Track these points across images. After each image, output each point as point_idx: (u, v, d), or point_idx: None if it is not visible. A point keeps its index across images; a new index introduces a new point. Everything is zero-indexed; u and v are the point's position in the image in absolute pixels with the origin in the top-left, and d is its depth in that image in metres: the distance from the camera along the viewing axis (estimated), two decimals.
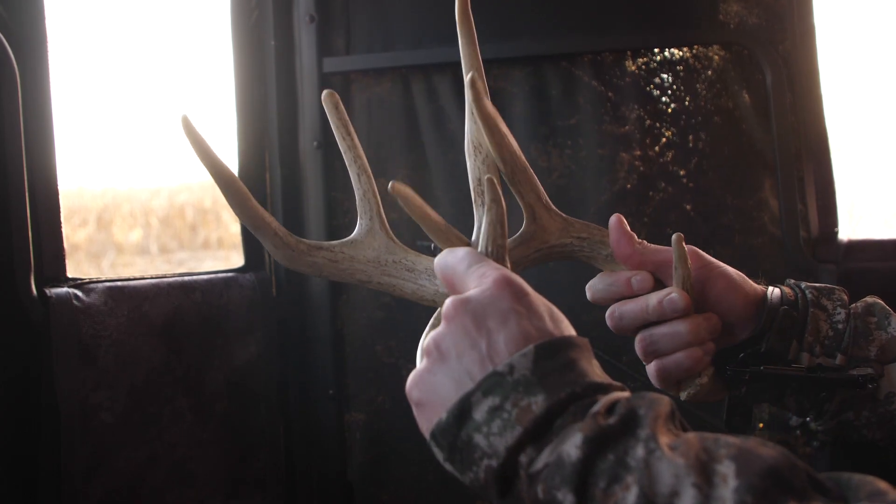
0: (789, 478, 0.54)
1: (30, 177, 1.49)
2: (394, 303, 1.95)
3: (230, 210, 0.88)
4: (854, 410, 0.92)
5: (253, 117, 1.97)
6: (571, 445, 0.59)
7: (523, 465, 0.61)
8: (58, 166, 1.55)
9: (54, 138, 1.54)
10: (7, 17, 1.47)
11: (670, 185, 1.84)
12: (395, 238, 0.90)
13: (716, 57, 1.82)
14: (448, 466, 0.67)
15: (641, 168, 1.84)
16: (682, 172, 1.84)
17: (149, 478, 1.68)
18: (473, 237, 0.90)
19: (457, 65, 1.89)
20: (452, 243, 0.85)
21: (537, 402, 0.62)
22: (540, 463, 0.60)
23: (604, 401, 0.62)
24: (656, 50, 1.83)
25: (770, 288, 0.97)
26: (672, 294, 0.88)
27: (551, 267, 1.78)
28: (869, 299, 0.96)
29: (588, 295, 0.95)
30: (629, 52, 1.84)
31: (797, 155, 1.81)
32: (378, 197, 0.92)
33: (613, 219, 0.91)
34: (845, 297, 0.96)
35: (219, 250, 12.83)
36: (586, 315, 1.89)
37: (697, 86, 1.82)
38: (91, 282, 1.62)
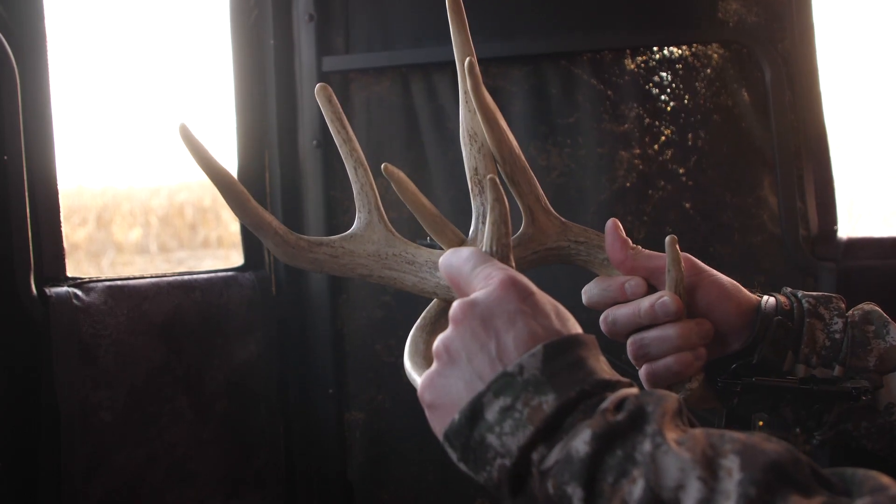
0: (792, 472, 0.54)
1: (29, 176, 1.49)
2: (393, 302, 1.95)
3: (230, 209, 0.89)
4: (853, 422, 0.91)
5: (252, 116, 1.97)
6: (580, 441, 0.60)
7: (535, 463, 0.62)
8: (57, 165, 1.55)
9: (54, 138, 1.54)
10: (6, 17, 1.47)
11: (669, 183, 1.84)
12: (394, 231, 0.90)
13: (715, 55, 1.82)
14: (462, 466, 0.67)
15: (641, 166, 1.84)
16: (681, 171, 1.84)
17: (149, 477, 1.68)
18: (472, 229, 0.90)
19: (456, 64, 1.90)
20: (446, 236, 0.85)
21: (548, 402, 0.63)
22: (551, 460, 0.61)
23: (613, 398, 0.62)
24: (655, 48, 1.83)
25: (765, 297, 0.95)
26: (664, 297, 0.88)
27: (552, 269, 1.78)
28: (866, 306, 0.95)
29: (584, 299, 0.95)
30: (628, 51, 1.84)
31: (796, 153, 1.81)
32: (375, 189, 0.92)
33: (609, 223, 0.91)
34: (843, 306, 0.94)
35: (218, 249, 12.83)
36: (585, 315, 1.89)
37: (697, 84, 1.83)
38: (91, 281, 1.62)
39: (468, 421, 0.65)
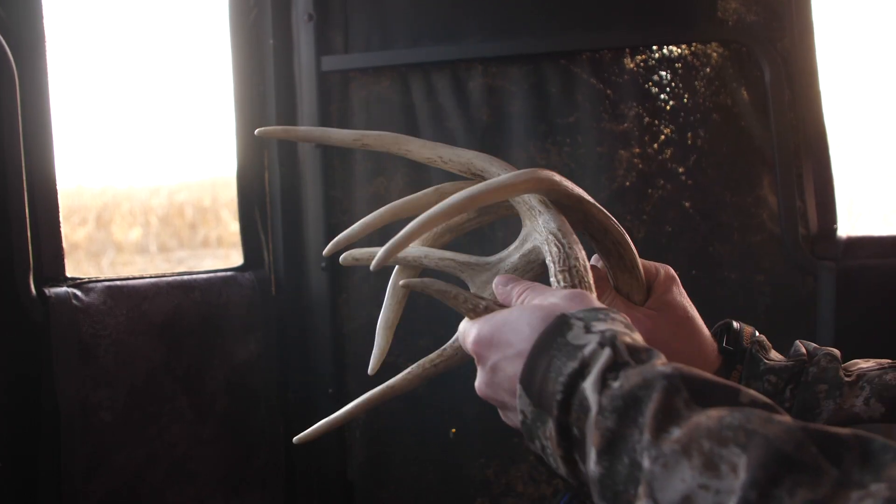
0: (797, 457, 0.52)
1: (29, 176, 1.49)
2: None
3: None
4: None
5: (252, 116, 1.97)
6: (591, 462, 0.61)
7: (587, 481, 0.63)
8: (57, 165, 1.55)
9: (53, 137, 1.54)
10: (5, 17, 1.47)
11: (669, 182, 1.84)
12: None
13: (714, 54, 1.82)
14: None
15: (640, 166, 1.84)
16: (680, 170, 1.84)
17: (149, 477, 1.68)
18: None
19: (455, 63, 1.90)
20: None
21: (550, 428, 0.66)
22: (587, 476, 0.63)
23: (595, 397, 0.62)
24: (655, 47, 1.83)
25: (719, 360, 0.94)
26: None
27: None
28: (825, 360, 0.90)
29: None
30: (628, 50, 1.84)
31: (796, 152, 1.81)
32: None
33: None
34: (807, 380, 0.89)
35: (218, 249, 12.83)
36: None
37: (696, 83, 1.82)
38: (90, 281, 1.62)
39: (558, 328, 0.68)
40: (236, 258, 2.03)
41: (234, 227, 12.45)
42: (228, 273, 1.90)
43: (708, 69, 1.82)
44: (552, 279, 0.79)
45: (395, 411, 1.99)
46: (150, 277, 1.73)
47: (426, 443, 1.98)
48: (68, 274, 1.59)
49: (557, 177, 0.83)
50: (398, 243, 0.77)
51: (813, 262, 1.80)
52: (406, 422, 1.97)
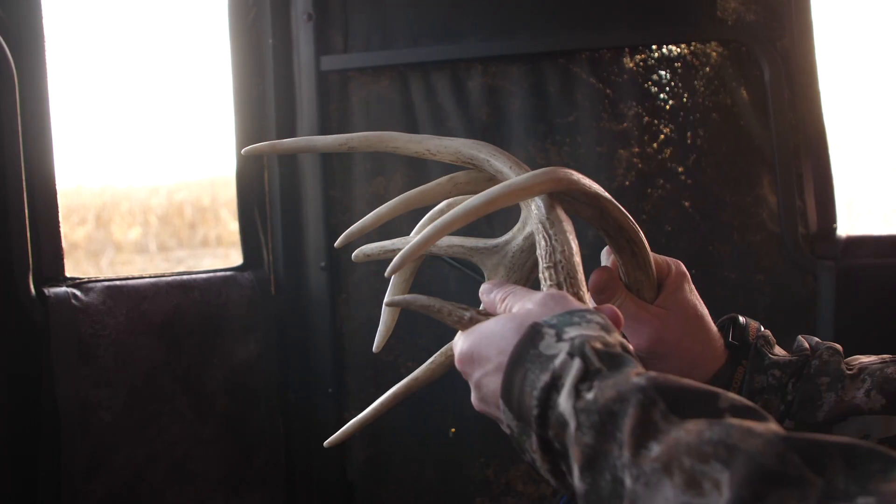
0: (781, 469, 0.51)
1: (28, 176, 1.49)
2: None
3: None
4: None
5: (251, 115, 1.97)
6: (576, 479, 0.60)
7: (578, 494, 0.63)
8: (56, 165, 1.55)
9: (52, 137, 1.54)
10: (4, 17, 1.47)
11: (669, 182, 1.84)
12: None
13: (714, 54, 1.82)
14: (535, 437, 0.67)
15: (640, 165, 1.84)
16: (680, 169, 1.84)
17: (149, 476, 1.68)
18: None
19: (455, 63, 1.90)
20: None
21: (532, 442, 0.66)
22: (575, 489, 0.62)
23: (571, 412, 0.61)
24: (654, 47, 1.83)
25: (724, 360, 0.94)
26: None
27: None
28: (826, 354, 0.92)
29: None
30: (627, 49, 1.84)
31: (795, 151, 1.81)
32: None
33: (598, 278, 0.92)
34: (809, 372, 0.91)
35: (218, 248, 12.82)
36: None
37: (695, 82, 1.82)
38: (90, 281, 1.62)
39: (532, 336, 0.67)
40: (236, 258, 2.03)
41: (233, 226, 12.44)
42: (228, 273, 1.90)
43: (707, 69, 1.82)
44: (540, 276, 0.78)
45: (395, 411, 1.98)
46: (150, 277, 1.73)
47: (426, 442, 1.98)
48: (67, 274, 1.59)
49: (576, 175, 0.82)
50: (414, 249, 0.78)
51: (813, 261, 1.80)
52: (406, 422, 1.97)
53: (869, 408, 0.87)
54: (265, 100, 1.98)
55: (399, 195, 0.92)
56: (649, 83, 1.84)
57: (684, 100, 1.83)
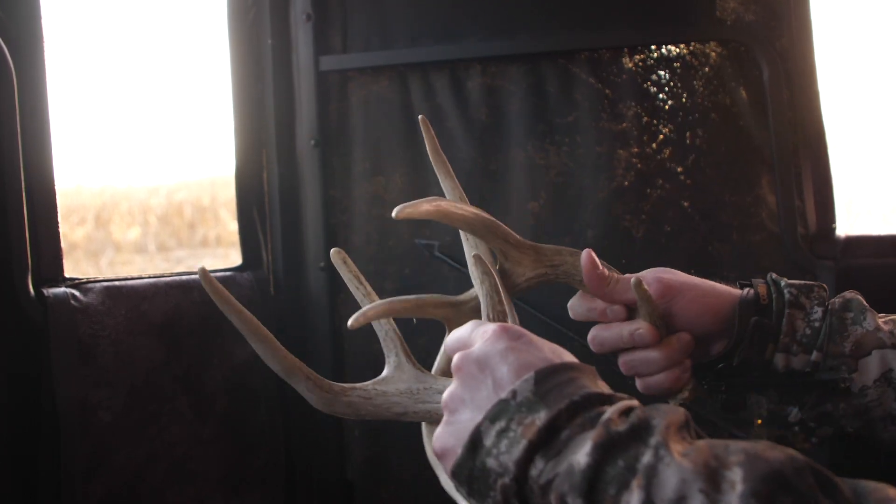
0: (794, 481, 0.54)
1: (27, 177, 1.49)
2: None
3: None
4: (832, 403, 0.96)
5: (250, 116, 1.97)
6: (581, 453, 0.60)
7: (534, 478, 0.63)
8: (55, 166, 1.55)
9: (51, 137, 1.54)
10: (4, 17, 1.47)
11: (668, 182, 1.84)
12: (422, 368, 0.93)
13: (713, 53, 1.82)
14: (473, 501, 0.69)
15: (639, 165, 1.84)
16: (679, 169, 1.84)
17: (149, 477, 1.68)
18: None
19: (454, 63, 1.90)
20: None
21: (540, 417, 0.64)
22: (551, 473, 0.61)
23: (616, 408, 0.63)
24: (653, 47, 1.83)
25: (745, 291, 1.00)
26: (640, 329, 0.94)
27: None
28: (848, 294, 0.99)
29: (571, 314, 1.02)
30: (626, 49, 1.84)
31: (794, 151, 1.81)
32: (400, 335, 0.95)
33: (584, 258, 0.95)
34: (824, 294, 0.99)
35: (217, 248, 12.82)
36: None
37: (695, 82, 1.82)
38: (89, 281, 1.62)
39: (469, 452, 0.67)
40: (235, 258, 2.03)
41: (232, 226, 12.44)
42: (227, 273, 1.90)
43: (706, 68, 1.82)
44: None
45: None
46: (149, 277, 1.73)
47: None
48: (67, 274, 1.59)
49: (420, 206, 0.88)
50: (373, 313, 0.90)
51: (812, 261, 1.80)
52: (405, 421, 1.97)
53: (892, 343, 0.94)
54: (264, 100, 1.98)
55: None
56: (648, 83, 1.84)
57: (683, 100, 1.83)
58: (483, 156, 1.88)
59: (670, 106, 1.84)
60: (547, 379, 0.67)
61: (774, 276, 1.02)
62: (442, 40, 1.89)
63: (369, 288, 0.98)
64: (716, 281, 1.03)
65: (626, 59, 1.84)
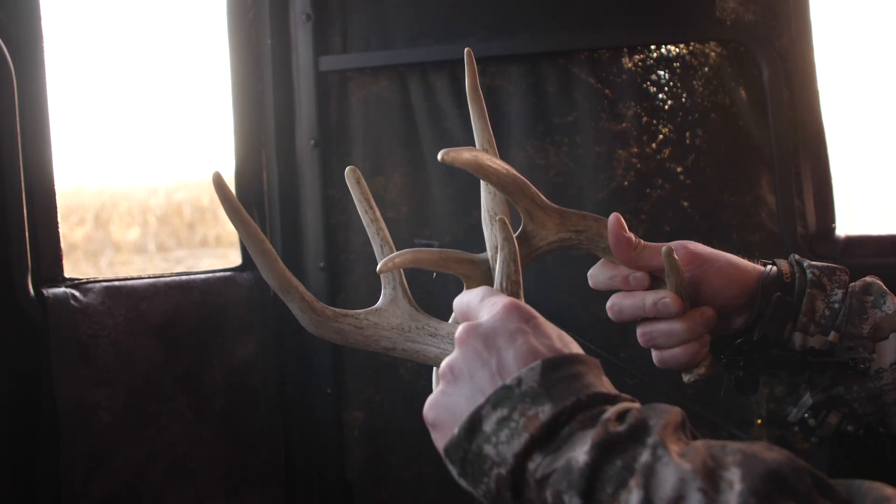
0: (792, 481, 0.54)
1: (27, 177, 1.49)
2: None
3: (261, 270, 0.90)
4: (845, 385, 0.96)
5: (250, 116, 1.97)
6: (580, 451, 0.60)
7: (531, 472, 0.62)
8: (55, 166, 1.54)
9: (51, 137, 1.54)
10: (3, 18, 1.47)
11: (668, 181, 1.84)
12: (416, 306, 0.92)
13: (712, 53, 1.82)
14: (462, 483, 0.69)
15: (639, 165, 1.84)
16: (679, 169, 1.84)
17: (149, 476, 1.68)
18: (488, 255, 0.93)
19: (453, 63, 1.90)
20: (453, 269, 0.90)
21: (544, 411, 0.64)
22: (548, 468, 0.61)
23: (615, 409, 0.63)
24: (653, 47, 1.83)
25: (768, 268, 0.99)
26: (665, 298, 0.92)
27: (549, 266, 1.78)
28: (868, 279, 0.99)
29: (590, 282, 0.99)
30: (626, 49, 1.84)
31: (794, 151, 1.81)
32: (400, 268, 0.93)
33: (612, 221, 0.93)
34: (846, 278, 0.99)
35: (217, 248, 12.82)
36: (585, 312, 1.88)
37: (694, 82, 1.82)
38: (88, 282, 1.62)
39: (467, 434, 0.66)
40: (235, 258, 2.02)
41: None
42: (227, 273, 1.90)
43: (706, 68, 1.82)
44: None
45: (394, 410, 1.99)
46: (149, 278, 1.73)
47: (425, 442, 1.97)
48: (67, 274, 1.59)
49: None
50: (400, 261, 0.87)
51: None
52: (405, 421, 1.97)
53: None
54: (264, 100, 1.98)
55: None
56: (648, 83, 1.84)
57: (683, 100, 1.83)
58: None
59: (670, 106, 1.84)
60: (554, 370, 0.66)
61: (797, 256, 1.02)
62: (441, 40, 1.89)
63: (378, 214, 0.96)
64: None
65: (625, 59, 1.84)
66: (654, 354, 0.96)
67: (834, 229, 1.83)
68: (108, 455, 1.61)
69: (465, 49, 0.97)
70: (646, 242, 0.95)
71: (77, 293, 1.57)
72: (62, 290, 1.55)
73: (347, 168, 0.95)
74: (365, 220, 0.96)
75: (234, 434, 1.86)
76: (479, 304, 0.78)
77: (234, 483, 1.85)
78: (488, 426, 0.65)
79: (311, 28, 1.94)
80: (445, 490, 1.97)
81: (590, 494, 0.58)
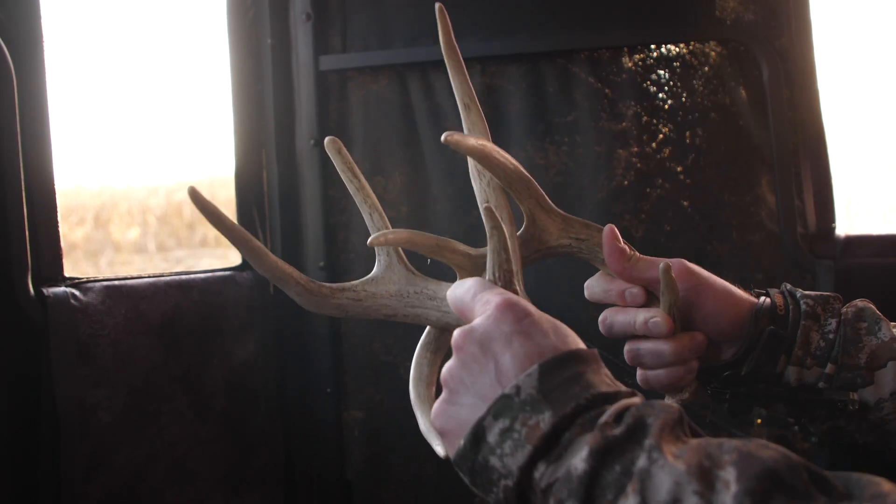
0: (788, 478, 0.54)
1: (27, 176, 1.49)
2: None
3: (228, 208, 0.89)
4: (844, 418, 0.93)
5: (250, 115, 1.97)
6: (578, 459, 0.60)
7: (536, 481, 0.63)
8: (55, 166, 1.54)
9: (51, 137, 1.54)
10: (3, 18, 1.47)
11: (668, 181, 1.84)
12: (413, 269, 0.91)
13: (712, 53, 1.82)
14: (475, 490, 0.69)
15: (639, 165, 1.84)
16: (679, 169, 1.84)
17: (148, 476, 1.68)
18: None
19: None
20: (447, 258, 0.88)
21: (544, 420, 0.64)
22: (552, 478, 0.62)
23: (612, 409, 0.63)
24: (653, 46, 1.83)
25: (760, 300, 0.96)
26: (656, 318, 0.90)
27: (550, 265, 1.78)
28: (860, 303, 0.96)
29: (586, 293, 0.98)
30: (626, 49, 1.84)
31: (794, 151, 1.81)
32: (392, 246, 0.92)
33: (606, 231, 0.93)
34: (839, 305, 0.96)
35: (217, 248, 12.81)
36: (584, 314, 1.88)
37: (694, 82, 1.82)
38: (88, 281, 1.62)
39: (472, 445, 0.67)
40: (234, 258, 2.02)
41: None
42: (227, 273, 1.90)
43: (706, 68, 1.82)
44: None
45: (394, 410, 1.99)
46: (149, 277, 1.73)
47: (425, 442, 1.97)
48: (67, 274, 1.58)
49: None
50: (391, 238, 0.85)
51: (811, 260, 1.80)
52: (405, 421, 1.97)
53: None
54: (264, 99, 1.97)
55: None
56: (648, 83, 1.84)
57: (683, 99, 1.83)
58: None
59: (670, 105, 1.84)
60: (551, 373, 0.66)
61: (790, 286, 0.99)
62: None
63: (364, 181, 0.94)
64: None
65: (625, 59, 1.84)
66: (639, 374, 0.95)
67: (834, 229, 1.83)
68: (108, 455, 1.60)
69: (437, 4, 0.92)
70: (640, 255, 0.94)
71: (77, 292, 1.57)
72: (62, 289, 1.55)
73: (327, 138, 0.93)
74: (351, 189, 0.94)
75: (233, 434, 1.85)
76: (472, 301, 0.77)
77: (234, 483, 1.85)
78: (492, 437, 0.66)
79: (310, 28, 1.94)
80: (445, 490, 1.97)
81: (589, 502, 0.59)
